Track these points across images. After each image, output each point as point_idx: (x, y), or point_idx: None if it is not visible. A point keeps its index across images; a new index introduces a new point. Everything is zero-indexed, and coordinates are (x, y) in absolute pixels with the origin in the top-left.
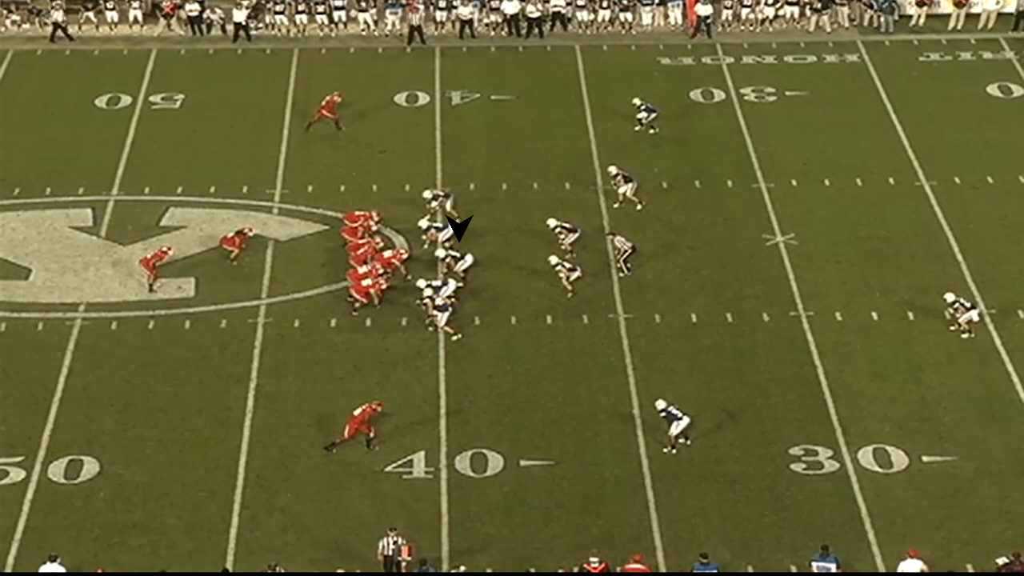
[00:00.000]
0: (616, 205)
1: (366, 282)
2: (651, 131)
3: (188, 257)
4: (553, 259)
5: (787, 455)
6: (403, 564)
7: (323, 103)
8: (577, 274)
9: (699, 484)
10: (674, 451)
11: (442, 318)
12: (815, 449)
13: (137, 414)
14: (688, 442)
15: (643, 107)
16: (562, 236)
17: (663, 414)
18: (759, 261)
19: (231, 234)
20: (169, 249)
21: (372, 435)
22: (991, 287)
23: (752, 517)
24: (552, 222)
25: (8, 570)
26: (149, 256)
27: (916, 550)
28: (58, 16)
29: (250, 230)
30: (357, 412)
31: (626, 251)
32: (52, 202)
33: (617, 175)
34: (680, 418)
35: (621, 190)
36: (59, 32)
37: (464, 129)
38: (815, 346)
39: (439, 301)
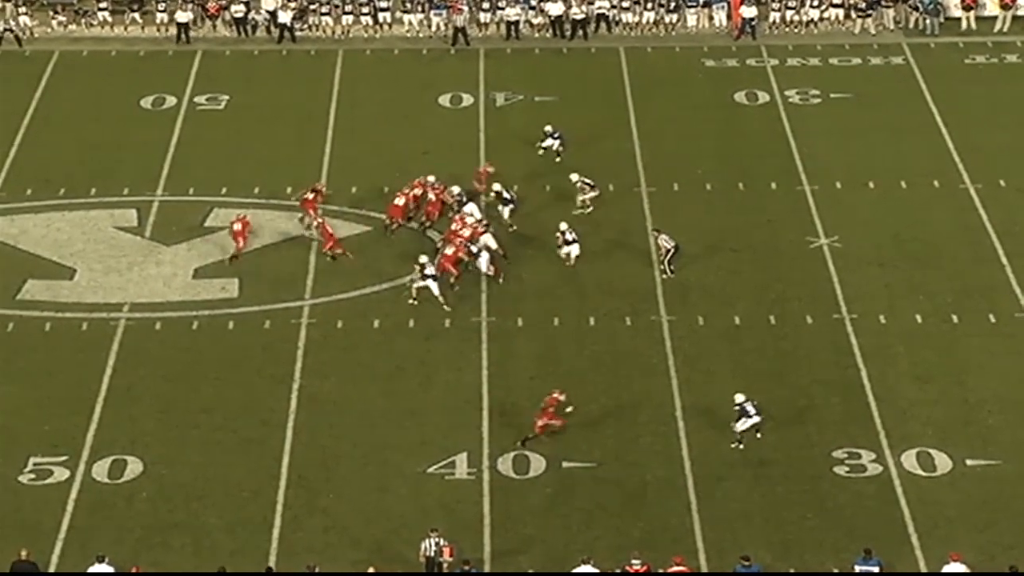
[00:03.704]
0: (576, 212)
1: (448, 250)
2: (557, 159)
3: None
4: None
5: (830, 458)
6: (445, 565)
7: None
8: (595, 193)
9: (741, 486)
10: (741, 446)
11: (483, 262)
12: (858, 452)
13: (180, 414)
14: (759, 435)
15: (554, 134)
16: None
17: (737, 407)
18: (802, 264)
19: (309, 195)
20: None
21: (560, 426)
22: None
23: (794, 519)
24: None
25: (52, 570)
26: (239, 229)
27: (959, 554)
28: (183, 17)
29: (322, 187)
30: (542, 406)
31: (669, 250)
32: (97, 202)
33: (578, 182)
34: (751, 415)
35: (580, 198)
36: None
37: (508, 130)
38: (858, 349)
39: (429, 270)
